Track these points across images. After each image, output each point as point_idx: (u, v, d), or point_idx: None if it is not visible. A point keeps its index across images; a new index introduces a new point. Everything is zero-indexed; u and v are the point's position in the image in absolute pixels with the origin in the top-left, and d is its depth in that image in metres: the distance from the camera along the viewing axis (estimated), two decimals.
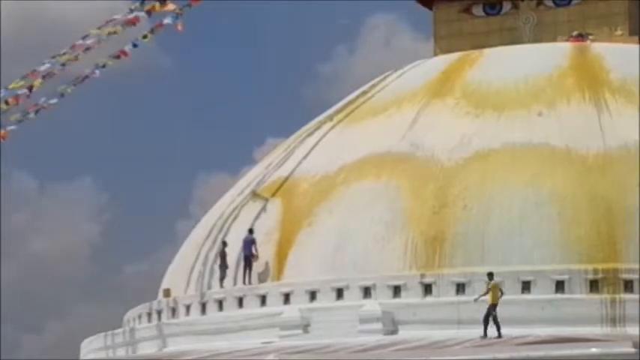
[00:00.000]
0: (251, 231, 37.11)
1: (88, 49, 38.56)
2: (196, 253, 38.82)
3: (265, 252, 36.23)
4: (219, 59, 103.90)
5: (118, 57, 38.56)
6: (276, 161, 39.64)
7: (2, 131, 37.46)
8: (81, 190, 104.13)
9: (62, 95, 37.86)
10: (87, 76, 38.18)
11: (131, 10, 40.05)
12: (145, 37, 39.28)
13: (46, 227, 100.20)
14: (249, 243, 36.79)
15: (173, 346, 35.66)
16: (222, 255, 38.00)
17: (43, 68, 38.15)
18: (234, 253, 36.92)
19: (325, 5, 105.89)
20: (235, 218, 38.28)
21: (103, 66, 38.38)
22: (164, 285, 39.68)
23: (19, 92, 37.67)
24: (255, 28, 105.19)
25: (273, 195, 37.78)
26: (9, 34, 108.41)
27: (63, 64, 38.19)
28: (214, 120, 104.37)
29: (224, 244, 37.97)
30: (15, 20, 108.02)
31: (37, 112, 37.69)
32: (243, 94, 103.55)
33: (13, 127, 37.54)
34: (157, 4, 39.66)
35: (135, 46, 38.98)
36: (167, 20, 39.26)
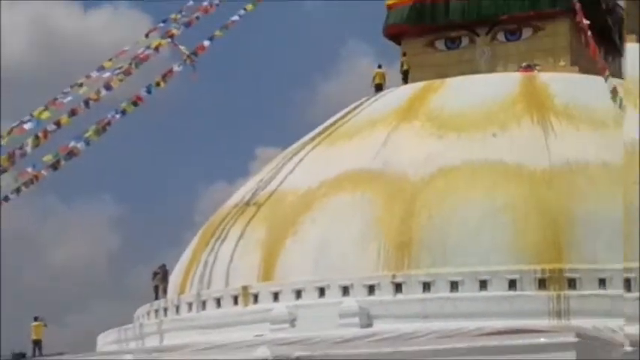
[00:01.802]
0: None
1: (108, 88, 38.01)
2: (197, 258, 38.71)
3: (256, 256, 36.13)
4: (217, 87, 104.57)
5: (135, 103, 38.01)
6: (266, 177, 39.46)
7: (36, 172, 36.77)
8: (100, 205, 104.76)
9: (88, 143, 37.16)
10: (109, 122, 37.53)
11: (138, 43, 39.95)
12: (157, 84, 38.67)
13: (69, 236, 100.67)
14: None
15: (177, 339, 35.45)
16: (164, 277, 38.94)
17: (66, 101, 37.56)
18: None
19: (309, 41, 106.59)
20: (231, 226, 38.07)
21: (123, 111, 37.84)
22: (170, 285, 39.51)
23: (48, 127, 36.90)
24: (251, 62, 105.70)
25: (262, 206, 37.70)
26: (30, 59, 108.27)
27: (86, 102, 37.56)
28: (213, 140, 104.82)
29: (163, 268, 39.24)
30: (35, 45, 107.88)
31: (69, 154, 36.99)
32: (241, 115, 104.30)
33: (44, 172, 36.89)
34: (164, 41, 39.60)
35: (149, 92, 38.46)
36: (176, 67, 38.85)
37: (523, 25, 41.29)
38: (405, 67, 42.62)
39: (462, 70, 40.74)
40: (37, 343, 43.37)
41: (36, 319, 43.82)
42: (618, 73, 39.52)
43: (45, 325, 43.81)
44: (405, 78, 42.33)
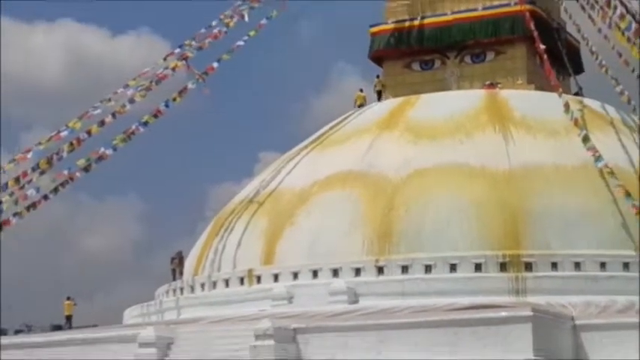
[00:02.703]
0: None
1: (132, 101, 38.14)
2: (208, 245, 38.71)
3: (259, 243, 36.14)
4: (226, 101, 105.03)
5: (155, 115, 38.11)
6: (267, 177, 39.51)
7: (69, 173, 37.00)
8: (126, 201, 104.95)
9: (115, 149, 37.39)
10: (133, 132, 37.66)
11: (157, 65, 40.04)
12: (174, 99, 38.82)
13: (99, 228, 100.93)
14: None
15: (191, 314, 35.56)
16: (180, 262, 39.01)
17: (96, 113, 37.76)
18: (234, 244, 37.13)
19: (305, 63, 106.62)
20: (237, 219, 38.11)
21: (145, 122, 37.95)
22: (185, 268, 39.53)
23: (81, 136, 37.13)
24: (254, 80, 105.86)
25: (264, 201, 37.81)
26: (63, 78, 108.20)
27: (113, 114, 37.75)
28: (222, 146, 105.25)
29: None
30: (69, 66, 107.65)
31: (98, 158, 37.17)
32: (246, 124, 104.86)
33: (78, 174, 37.11)
34: (179, 63, 39.80)
35: (167, 106, 38.57)
36: (190, 85, 39.04)
37: (486, 50, 41.17)
38: (377, 88, 42.80)
39: (435, 87, 40.73)
40: (68, 318, 43.82)
41: (68, 298, 44.26)
42: (568, 90, 40.19)
43: (75, 304, 44.18)
44: (379, 97, 42.35)
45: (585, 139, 33.64)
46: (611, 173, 32.62)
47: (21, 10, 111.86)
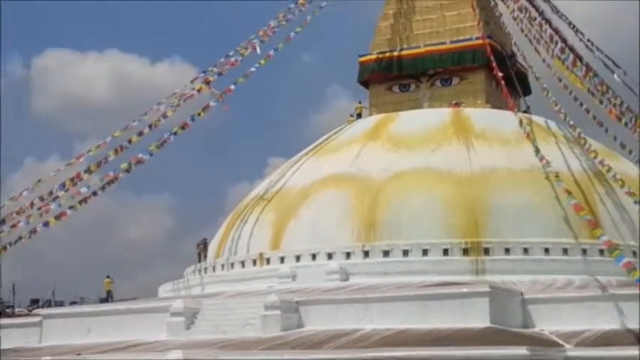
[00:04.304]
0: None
1: (164, 116, 37.93)
2: (227, 234, 38.49)
3: (268, 232, 35.91)
4: (241, 116, 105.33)
5: (183, 127, 37.75)
6: (275, 178, 39.34)
7: (114, 174, 36.66)
8: (160, 197, 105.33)
9: (151, 154, 37.05)
10: (165, 141, 37.26)
11: (185, 86, 39.96)
12: (198, 114, 38.40)
13: (139, 219, 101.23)
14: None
15: (213, 289, 35.45)
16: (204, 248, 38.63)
17: (135, 125, 37.56)
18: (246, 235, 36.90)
19: (305, 85, 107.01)
20: (250, 212, 37.96)
21: (175, 133, 37.53)
22: (209, 252, 39.37)
23: (123, 144, 36.91)
24: (265, 99, 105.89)
25: (272, 198, 37.59)
26: (110, 97, 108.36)
27: (149, 126, 37.54)
28: (239, 152, 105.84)
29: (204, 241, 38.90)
30: (114, 87, 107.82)
31: (137, 162, 36.81)
32: (258, 135, 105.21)
33: (121, 174, 36.80)
34: (203, 85, 39.69)
35: (193, 120, 38.15)
36: (212, 103, 38.69)
37: (452, 76, 40.91)
38: (357, 112, 42.81)
39: (411, 106, 40.56)
40: (108, 293, 43.71)
41: (107, 277, 44.13)
42: (518, 109, 39.99)
43: (112, 281, 44.03)
44: (359, 117, 42.29)
45: (537, 150, 33.42)
46: (557, 177, 32.39)
47: (76, 43, 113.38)
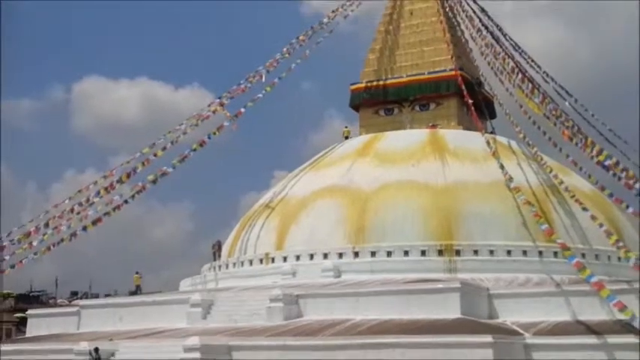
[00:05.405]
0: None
1: (185, 134, 37.92)
2: (238, 236, 38.42)
3: (273, 235, 35.78)
4: (250, 135, 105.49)
5: (201, 144, 37.45)
6: (279, 189, 39.25)
7: (142, 184, 36.49)
8: (181, 204, 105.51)
9: (174, 167, 36.70)
10: (186, 156, 36.95)
11: (202, 109, 39.98)
12: (214, 133, 38.25)
13: (163, 223, 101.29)
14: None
15: (226, 284, 35.36)
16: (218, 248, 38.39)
17: (159, 142, 37.47)
18: (254, 238, 36.69)
19: (305, 108, 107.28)
20: (258, 218, 37.87)
21: (194, 149, 37.22)
22: (222, 252, 39.26)
23: (149, 158, 36.73)
24: (270, 120, 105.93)
25: (276, 206, 37.52)
26: (139, 118, 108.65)
27: (172, 143, 37.43)
28: (248, 166, 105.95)
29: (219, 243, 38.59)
30: (143, 109, 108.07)
31: (162, 174, 36.55)
32: (264, 152, 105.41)
33: (148, 185, 36.54)
34: (218, 107, 39.74)
35: (209, 137, 37.93)
36: (226, 123, 38.71)
37: (430, 102, 40.77)
38: (345, 135, 42.90)
39: (395, 127, 40.52)
40: (137, 287, 43.57)
41: (136, 272, 44.05)
42: (486, 130, 40.14)
43: (140, 277, 43.92)
44: (346, 138, 42.42)
45: (501, 166, 33.56)
46: (518, 190, 32.55)
47: (110, 71, 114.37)
